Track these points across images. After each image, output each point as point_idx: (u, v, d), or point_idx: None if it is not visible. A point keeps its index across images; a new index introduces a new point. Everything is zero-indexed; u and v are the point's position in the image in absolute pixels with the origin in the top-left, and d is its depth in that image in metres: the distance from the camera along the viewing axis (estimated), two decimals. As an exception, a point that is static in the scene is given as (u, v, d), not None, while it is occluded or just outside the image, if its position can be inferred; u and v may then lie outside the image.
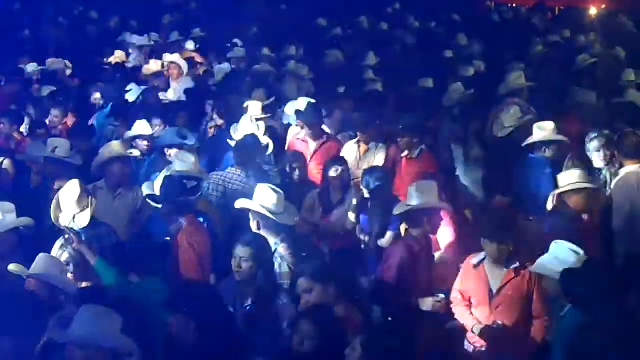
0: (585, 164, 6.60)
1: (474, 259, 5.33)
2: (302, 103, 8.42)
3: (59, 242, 5.63)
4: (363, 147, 7.72)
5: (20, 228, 5.70)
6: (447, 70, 10.89)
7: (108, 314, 3.85)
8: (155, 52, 12.27)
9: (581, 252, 4.91)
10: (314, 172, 7.48)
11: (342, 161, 6.92)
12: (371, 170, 6.85)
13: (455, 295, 5.42)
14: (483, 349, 5.24)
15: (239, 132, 7.63)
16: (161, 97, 9.85)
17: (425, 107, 8.89)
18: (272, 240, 5.36)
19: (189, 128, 8.26)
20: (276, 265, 5.26)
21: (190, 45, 12.66)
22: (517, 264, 5.23)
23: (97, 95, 9.65)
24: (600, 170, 6.86)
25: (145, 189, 6.14)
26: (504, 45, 12.77)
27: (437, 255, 6.00)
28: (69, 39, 13.34)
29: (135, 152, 7.36)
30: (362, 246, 6.45)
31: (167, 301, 4.49)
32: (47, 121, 8.72)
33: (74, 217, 5.72)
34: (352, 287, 4.98)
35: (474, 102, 8.97)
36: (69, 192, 5.79)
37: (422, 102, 9.26)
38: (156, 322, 4.70)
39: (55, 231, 5.82)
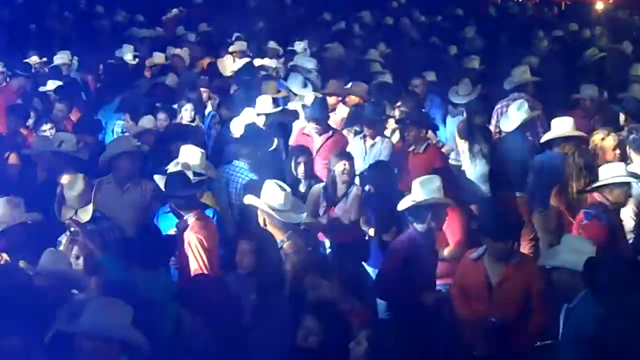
0: (586, 158, 6.59)
1: (474, 254, 5.33)
2: (308, 98, 8.43)
3: (64, 236, 5.63)
4: (369, 141, 7.72)
5: (28, 222, 5.70)
6: (452, 65, 10.89)
7: (118, 305, 3.86)
8: (159, 46, 12.26)
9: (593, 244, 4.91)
10: (319, 166, 7.47)
11: (348, 156, 6.89)
12: (376, 165, 6.85)
13: (454, 290, 5.42)
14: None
15: (239, 125, 7.63)
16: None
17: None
18: (279, 236, 5.36)
19: (194, 121, 8.28)
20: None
21: (190, 37, 12.64)
22: (518, 259, 5.21)
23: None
24: None
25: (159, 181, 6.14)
26: (510, 40, 12.75)
27: (446, 250, 6.00)
28: (75, 33, 13.34)
29: (143, 147, 7.36)
30: (367, 240, 6.44)
31: (177, 295, 4.49)
32: (52, 115, 8.72)
33: (76, 212, 5.72)
34: (356, 282, 4.98)
35: (479, 96, 8.97)
36: (73, 186, 5.80)
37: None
38: (162, 316, 4.71)
39: (62, 225, 5.82)
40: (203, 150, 6.54)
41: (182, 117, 8.61)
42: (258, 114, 8.03)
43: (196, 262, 5.50)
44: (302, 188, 6.85)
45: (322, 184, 6.79)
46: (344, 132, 8.31)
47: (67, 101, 8.95)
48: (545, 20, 14.97)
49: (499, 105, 8.79)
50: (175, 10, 14.58)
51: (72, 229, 5.51)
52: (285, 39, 12.49)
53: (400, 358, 4.07)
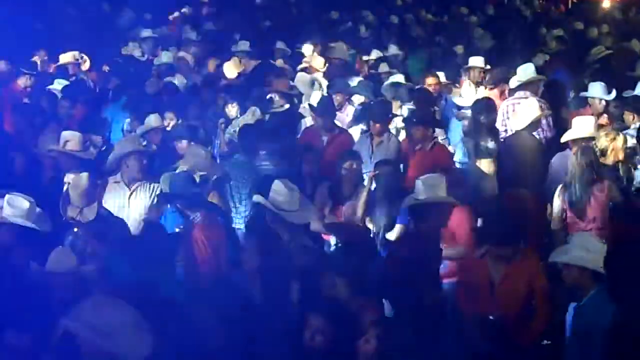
0: (588, 157, 6.57)
1: (477, 252, 5.32)
2: (315, 96, 8.43)
3: (70, 236, 5.64)
4: (376, 139, 7.70)
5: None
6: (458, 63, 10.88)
7: (119, 305, 3.83)
8: (166, 45, 12.28)
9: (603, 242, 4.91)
10: (326, 165, 7.46)
11: (354, 155, 6.88)
12: (382, 163, 6.84)
13: (459, 288, 5.41)
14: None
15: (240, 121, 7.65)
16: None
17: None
18: (285, 235, 5.36)
19: (201, 121, 8.28)
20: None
21: (192, 35, 12.64)
22: (520, 257, 5.20)
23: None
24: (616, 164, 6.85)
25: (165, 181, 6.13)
26: (516, 38, 12.73)
27: (453, 249, 5.98)
28: (81, 32, 13.36)
29: (151, 146, 7.36)
30: (373, 239, 6.42)
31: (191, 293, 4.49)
32: (58, 114, 8.74)
33: (81, 211, 5.72)
34: (362, 280, 4.97)
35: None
36: (77, 185, 5.80)
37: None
38: (169, 314, 4.71)
39: (69, 224, 5.83)
40: (208, 149, 6.54)
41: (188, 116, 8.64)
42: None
43: (203, 261, 5.50)
44: (308, 187, 6.84)
45: (328, 183, 6.77)
46: (351, 130, 8.31)
47: (72, 100, 8.96)
48: (552, 18, 14.94)
49: (505, 104, 8.78)
50: (176, 13, 14.58)
51: (75, 229, 5.50)
52: (292, 39, 12.49)
53: (409, 356, 4.07)
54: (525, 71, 9.07)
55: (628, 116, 8.16)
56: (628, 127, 7.95)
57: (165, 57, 11.15)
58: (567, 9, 17.25)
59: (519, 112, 7.90)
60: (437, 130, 7.99)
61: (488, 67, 10.28)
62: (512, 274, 5.18)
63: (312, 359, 4.27)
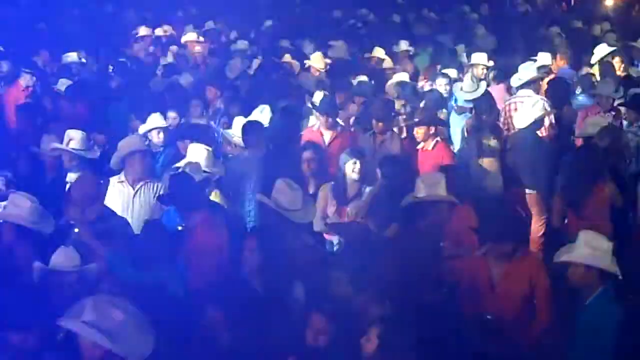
0: (589, 155, 6.58)
1: (479, 250, 5.31)
2: (317, 95, 8.44)
3: (73, 236, 5.64)
4: (379, 137, 7.69)
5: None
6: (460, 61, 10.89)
7: (120, 306, 3.82)
8: (167, 45, 12.30)
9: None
10: (329, 163, 7.45)
11: (358, 154, 6.76)
12: (385, 160, 6.83)
13: (461, 287, 5.39)
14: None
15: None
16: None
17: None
18: (287, 234, 5.36)
19: (202, 119, 8.28)
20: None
21: (192, 35, 12.64)
22: (521, 255, 5.19)
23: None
24: None
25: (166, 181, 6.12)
26: (519, 36, 12.73)
27: (456, 248, 5.97)
28: (84, 32, 13.38)
29: (155, 144, 7.35)
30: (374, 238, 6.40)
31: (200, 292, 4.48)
32: (61, 114, 8.75)
33: (84, 210, 5.73)
34: (364, 280, 4.96)
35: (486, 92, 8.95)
36: (81, 185, 5.80)
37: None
38: (171, 314, 4.72)
39: (72, 224, 5.83)
40: (210, 148, 6.53)
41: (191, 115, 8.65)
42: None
43: (204, 261, 5.49)
44: (311, 186, 6.83)
45: (331, 183, 6.75)
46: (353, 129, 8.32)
47: (75, 99, 8.96)
48: (555, 16, 14.93)
49: (507, 102, 8.78)
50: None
51: (76, 230, 5.49)
52: (294, 38, 12.51)
53: (410, 355, 4.06)
54: (527, 70, 9.09)
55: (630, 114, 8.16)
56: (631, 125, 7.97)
57: (171, 57, 11.16)
58: (569, 6, 17.23)
59: (522, 111, 7.89)
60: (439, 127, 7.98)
61: (491, 63, 10.28)
62: (512, 273, 5.14)
63: (315, 358, 4.28)
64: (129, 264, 5.23)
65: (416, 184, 5.64)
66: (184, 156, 6.87)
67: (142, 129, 7.76)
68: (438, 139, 7.49)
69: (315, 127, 8.07)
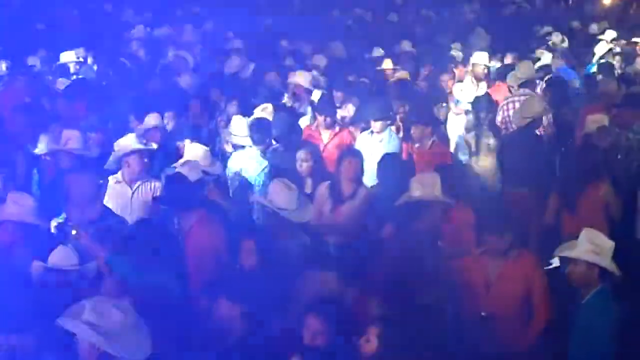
0: (587, 154, 6.59)
1: (477, 250, 5.31)
2: (315, 94, 8.46)
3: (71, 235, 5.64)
4: (377, 137, 7.70)
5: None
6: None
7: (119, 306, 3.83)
8: (168, 45, 12.30)
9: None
10: (327, 163, 7.46)
11: (353, 154, 6.75)
12: (383, 159, 6.84)
13: (459, 286, 5.39)
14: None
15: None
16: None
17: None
18: (284, 234, 5.36)
19: (201, 119, 8.28)
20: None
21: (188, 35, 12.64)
22: (517, 254, 5.19)
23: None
24: None
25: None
26: (517, 35, 12.74)
27: (455, 247, 5.97)
28: (83, 31, 13.38)
29: (152, 145, 7.35)
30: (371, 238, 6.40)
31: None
32: (59, 114, 8.75)
33: (83, 210, 5.73)
34: (361, 279, 4.97)
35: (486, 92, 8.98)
36: (80, 184, 5.81)
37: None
38: (168, 313, 4.73)
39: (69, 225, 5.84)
40: (207, 147, 6.53)
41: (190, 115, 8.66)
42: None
43: (201, 261, 5.49)
44: (308, 186, 6.82)
45: (327, 182, 6.75)
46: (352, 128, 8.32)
47: (74, 99, 8.96)
48: (553, 15, 14.94)
49: (505, 102, 8.78)
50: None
51: (73, 232, 5.47)
52: (293, 38, 12.53)
53: (408, 356, 4.07)
54: (525, 69, 9.10)
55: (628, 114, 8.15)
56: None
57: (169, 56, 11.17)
58: (567, 6, 17.24)
59: (520, 110, 7.90)
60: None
61: (492, 63, 10.29)
62: (508, 272, 5.14)
63: (313, 358, 4.28)
64: (129, 264, 5.23)
65: (411, 184, 5.64)
66: (181, 155, 6.88)
67: (139, 128, 7.76)
68: (434, 138, 7.49)
69: (314, 127, 8.08)
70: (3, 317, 4.27)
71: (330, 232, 6.27)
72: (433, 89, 9.53)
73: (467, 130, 8.25)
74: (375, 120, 7.70)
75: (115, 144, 6.80)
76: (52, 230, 5.78)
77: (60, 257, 5.05)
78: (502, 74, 9.96)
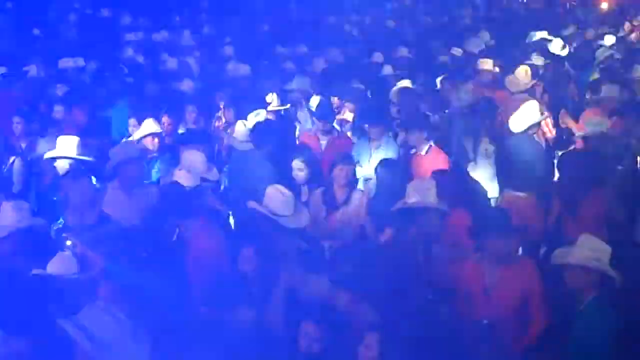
0: (589, 158, 6.58)
1: (475, 255, 5.30)
2: (314, 100, 8.46)
3: (69, 242, 5.64)
4: (374, 143, 7.69)
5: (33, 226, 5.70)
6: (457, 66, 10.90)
7: (114, 314, 3.82)
8: (165, 50, 12.30)
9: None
10: (325, 168, 7.45)
11: (345, 160, 6.72)
12: (381, 164, 6.83)
13: (457, 292, 5.38)
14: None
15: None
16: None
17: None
18: (280, 239, 5.35)
19: (198, 124, 8.26)
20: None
21: (187, 39, 12.62)
22: (516, 261, 5.18)
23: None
24: None
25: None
26: (516, 40, 12.76)
27: (452, 252, 5.95)
28: (81, 37, 13.38)
29: (150, 150, 7.34)
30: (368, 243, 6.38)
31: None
32: (55, 118, 8.75)
33: (81, 216, 5.72)
34: (358, 285, 4.96)
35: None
36: (77, 190, 5.80)
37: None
38: (167, 320, 4.71)
39: (68, 229, 5.83)
40: (203, 154, 6.53)
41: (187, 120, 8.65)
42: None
43: (200, 268, 5.47)
44: (304, 194, 6.79)
45: (321, 189, 6.68)
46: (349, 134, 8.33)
47: (70, 104, 8.96)
48: (550, 21, 14.96)
49: (504, 106, 8.78)
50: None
51: (68, 243, 5.45)
52: (289, 43, 12.53)
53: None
54: (522, 74, 9.10)
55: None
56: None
57: (171, 63, 11.15)
58: (564, 10, 17.28)
59: (518, 114, 7.89)
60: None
61: (497, 69, 10.28)
62: (507, 278, 5.12)
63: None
64: (126, 270, 5.22)
65: (407, 190, 5.64)
66: (179, 161, 6.87)
67: (136, 135, 7.76)
68: (431, 143, 7.50)
69: (312, 132, 8.07)
70: (3, 322, 4.25)
71: (325, 238, 6.26)
72: (433, 95, 9.49)
73: (465, 135, 8.24)
74: (373, 126, 7.70)
75: (111, 150, 6.79)
76: (52, 235, 5.76)
77: (60, 265, 5.03)
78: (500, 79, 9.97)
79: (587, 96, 9.38)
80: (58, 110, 8.95)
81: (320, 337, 4.18)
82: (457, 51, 11.98)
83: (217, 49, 12.56)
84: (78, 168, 6.81)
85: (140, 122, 8.12)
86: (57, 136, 7.68)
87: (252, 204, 5.63)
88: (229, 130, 8.32)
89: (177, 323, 4.66)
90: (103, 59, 11.66)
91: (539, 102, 8.35)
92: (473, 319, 5.15)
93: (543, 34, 12.74)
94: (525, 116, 7.69)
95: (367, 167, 7.37)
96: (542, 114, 7.88)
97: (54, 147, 7.13)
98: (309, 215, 5.86)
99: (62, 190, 6.49)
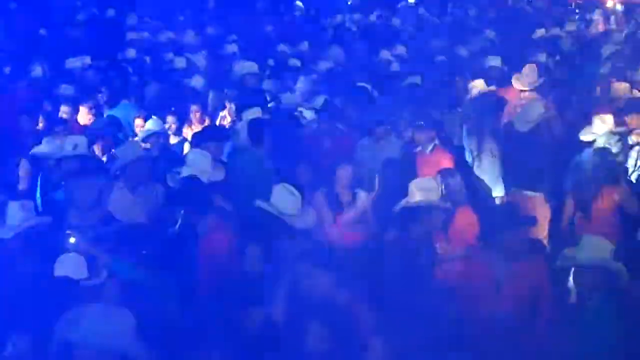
0: (603, 157, 6.57)
1: (482, 252, 5.31)
2: (318, 100, 8.45)
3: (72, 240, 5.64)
4: (380, 142, 7.67)
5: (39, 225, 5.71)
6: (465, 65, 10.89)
7: (118, 314, 3.82)
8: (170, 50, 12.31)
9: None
10: (329, 168, 7.43)
11: (348, 160, 6.76)
12: (385, 163, 6.82)
13: (464, 289, 5.38)
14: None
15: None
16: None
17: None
18: (286, 239, 5.36)
19: (202, 123, 8.27)
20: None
21: (191, 37, 12.62)
22: (526, 259, 5.18)
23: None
24: None
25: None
26: (523, 37, 12.74)
27: (458, 250, 5.95)
28: (86, 36, 13.39)
29: (153, 150, 7.34)
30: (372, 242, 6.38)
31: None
32: (61, 118, 8.77)
33: (86, 215, 5.73)
34: (363, 284, 4.95)
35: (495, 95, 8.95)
36: (83, 189, 5.81)
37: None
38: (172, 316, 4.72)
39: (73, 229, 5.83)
40: (209, 154, 6.53)
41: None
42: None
43: (211, 266, 5.47)
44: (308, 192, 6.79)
45: (323, 190, 6.63)
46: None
47: (77, 104, 8.98)
48: (557, 18, 14.93)
49: (512, 105, 8.76)
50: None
51: (71, 240, 5.45)
52: (292, 42, 12.54)
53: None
54: (529, 72, 9.07)
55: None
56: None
57: (179, 62, 11.16)
58: (570, 7, 17.23)
59: (523, 113, 7.88)
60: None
61: (506, 67, 10.25)
62: (515, 276, 5.15)
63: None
64: (130, 268, 5.23)
65: (409, 189, 5.64)
66: (183, 160, 6.87)
67: (141, 133, 7.77)
68: (436, 142, 7.48)
69: (317, 132, 8.07)
70: (10, 324, 4.26)
71: (332, 238, 6.25)
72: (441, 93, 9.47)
73: (469, 133, 8.23)
74: (377, 125, 7.69)
75: (117, 150, 6.80)
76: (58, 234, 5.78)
77: (70, 268, 5.02)
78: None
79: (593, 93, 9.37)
80: (64, 110, 8.95)
81: (325, 337, 4.18)
82: (463, 50, 11.96)
83: (222, 47, 12.56)
84: (84, 167, 6.82)
85: (145, 121, 8.15)
86: (63, 135, 7.72)
87: (259, 202, 5.63)
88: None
89: (183, 322, 4.67)
90: (108, 59, 11.68)
91: (547, 100, 8.35)
92: (480, 317, 5.16)
93: (554, 31, 12.72)
94: (530, 113, 7.68)
95: (371, 167, 7.35)
96: (546, 110, 7.87)
97: (60, 147, 7.14)
98: (314, 215, 5.86)
99: (68, 189, 6.50)
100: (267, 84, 9.94)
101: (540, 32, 12.69)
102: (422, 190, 5.57)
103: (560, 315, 5.15)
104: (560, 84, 9.47)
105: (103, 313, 3.76)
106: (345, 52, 11.92)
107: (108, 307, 3.90)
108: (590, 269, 4.78)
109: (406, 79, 9.67)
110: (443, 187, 6.03)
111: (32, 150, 7.62)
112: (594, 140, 7.38)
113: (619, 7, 15.86)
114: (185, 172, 6.25)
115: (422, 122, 7.57)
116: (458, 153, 8.07)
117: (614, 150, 6.99)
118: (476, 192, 6.86)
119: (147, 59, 11.84)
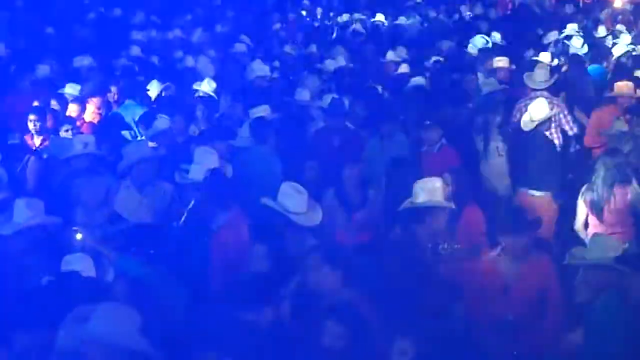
0: (614, 157, 6.54)
1: (491, 252, 5.29)
2: (325, 99, 8.46)
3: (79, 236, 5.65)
4: (386, 140, 7.67)
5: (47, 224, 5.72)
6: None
7: (125, 312, 3.82)
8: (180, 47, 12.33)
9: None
10: (336, 167, 7.42)
11: (356, 159, 6.78)
12: (393, 163, 6.82)
13: (472, 290, 5.37)
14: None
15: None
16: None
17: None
18: (293, 237, 5.35)
19: (208, 123, 8.27)
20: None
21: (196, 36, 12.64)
22: (534, 258, 5.18)
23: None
24: None
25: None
26: (530, 36, 12.71)
27: (465, 250, 5.93)
28: (93, 35, 13.41)
29: (160, 149, 7.34)
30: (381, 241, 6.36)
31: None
32: (69, 117, 8.78)
33: (94, 214, 5.74)
34: (372, 283, 4.95)
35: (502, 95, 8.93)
36: (90, 188, 5.81)
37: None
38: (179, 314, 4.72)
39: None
40: (215, 151, 6.54)
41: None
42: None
43: (228, 260, 5.48)
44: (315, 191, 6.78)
45: (333, 190, 6.63)
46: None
47: (83, 102, 8.99)
48: (565, 18, 14.91)
49: (519, 103, 8.75)
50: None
51: (78, 237, 5.46)
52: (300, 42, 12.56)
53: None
54: (538, 74, 9.04)
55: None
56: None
57: (189, 61, 11.16)
58: (578, 8, 17.19)
59: (529, 112, 7.87)
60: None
61: (514, 67, 10.23)
62: (524, 275, 5.15)
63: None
64: (137, 267, 5.24)
65: (414, 190, 5.62)
66: (191, 159, 6.87)
67: (147, 133, 7.77)
68: (443, 141, 7.47)
69: (323, 130, 8.07)
70: (15, 321, 4.27)
71: (340, 237, 6.25)
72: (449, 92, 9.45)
73: (476, 132, 8.21)
74: (384, 124, 7.68)
75: (124, 149, 6.81)
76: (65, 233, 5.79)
77: (77, 267, 5.02)
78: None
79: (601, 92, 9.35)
80: (72, 109, 8.97)
81: (343, 336, 4.17)
82: (471, 48, 11.95)
83: (230, 46, 12.57)
84: (92, 166, 6.83)
85: (150, 121, 8.14)
86: (71, 134, 7.73)
87: (265, 200, 5.62)
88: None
89: (190, 320, 4.67)
90: (115, 58, 11.70)
91: (557, 99, 8.33)
92: (487, 316, 5.15)
93: (570, 29, 12.69)
94: (535, 113, 7.67)
95: (378, 166, 7.34)
96: (552, 109, 7.85)
97: (68, 146, 7.15)
98: (321, 213, 5.85)
99: (77, 188, 6.51)
100: (275, 84, 9.95)
101: (552, 34, 12.67)
102: (426, 190, 5.55)
103: (567, 315, 5.14)
104: (569, 84, 9.46)
105: (110, 312, 3.77)
106: (351, 53, 11.91)
107: (115, 306, 3.89)
108: (599, 269, 4.77)
109: (410, 81, 9.68)
110: (450, 186, 6.01)
111: (39, 148, 7.67)
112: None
113: (627, 7, 15.82)
114: (193, 170, 6.25)
115: (429, 122, 7.56)
116: (465, 152, 8.06)
117: (625, 149, 6.96)
118: (483, 192, 6.84)
119: (155, 59, 11.86)
